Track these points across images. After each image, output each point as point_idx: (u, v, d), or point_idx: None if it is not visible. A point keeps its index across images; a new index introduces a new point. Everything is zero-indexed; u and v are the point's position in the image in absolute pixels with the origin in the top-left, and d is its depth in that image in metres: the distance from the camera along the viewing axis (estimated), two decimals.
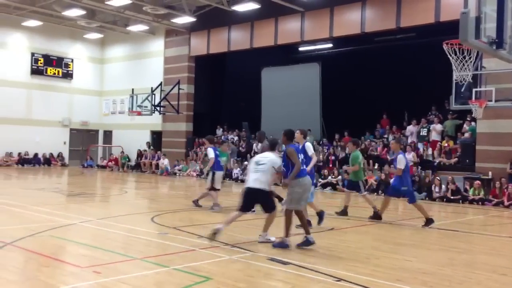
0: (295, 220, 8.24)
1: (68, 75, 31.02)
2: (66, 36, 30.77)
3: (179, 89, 26.78)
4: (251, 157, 15.82)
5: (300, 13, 22.70)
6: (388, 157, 19.35)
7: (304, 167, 8.15)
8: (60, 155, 30.41)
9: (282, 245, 7.79)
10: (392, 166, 11.33)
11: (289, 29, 23.42)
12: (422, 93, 21.07)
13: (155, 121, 28.76)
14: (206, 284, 5.77)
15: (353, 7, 21.19)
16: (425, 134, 19.81)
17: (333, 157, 20.90)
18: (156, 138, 29.73)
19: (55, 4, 24.85)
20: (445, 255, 7.91)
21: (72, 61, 31.24)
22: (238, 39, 25.49)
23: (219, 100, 29.00)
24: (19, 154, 28.69)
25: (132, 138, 29.99)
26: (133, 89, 27.68)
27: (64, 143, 31.02)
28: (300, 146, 9.28)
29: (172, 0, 24.43)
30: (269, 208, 8.18)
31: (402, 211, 14.80)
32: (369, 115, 22.68)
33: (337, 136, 22.55)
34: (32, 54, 29.54)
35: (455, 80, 13.73)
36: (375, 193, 17.82)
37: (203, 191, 12.83)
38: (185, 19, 25.42)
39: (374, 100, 22.95)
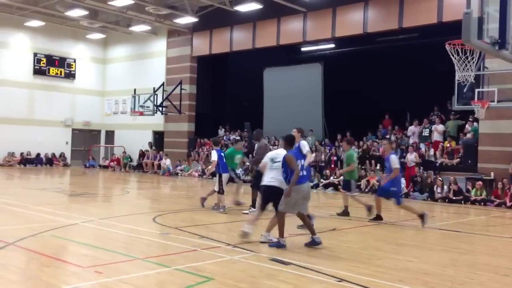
0: (297, 221, 8.24)
1: (70, 75, 31.06)
2: (68, 36, 30.81)
3: (181, 89, 26.78)
4: (252, 157, 15.78)
5: (303, 13, 22.70)
6: None
7: (304, 173, 8.02)
8: (62, 155, 30.44)
9: (278, 245, 7.78)
10: (385, 169, 11.23)
11: (292, 29, 23.42)
12: (424, 94, 21.04)
13: (157, 121, 28.78)
14: (207, 284, 5.77)
15: (356, 7, 21.17)
16: (427, 134, 19.78)
17: (335, 158, 20.88)
18: (158, 138, 29.75)
19: (58, 4, 24.89)
20: (447, 256, 7.90)
21: (75, 61, 31.29)
22: (240, 39, 25.49)
23: (221, 100, 29.00)
24: (21, 154, 28.72)
25: (134, 138, 30.02)
26: (135, 89, 27.70)
27: (66, 143, 31.06)
28: (296, 144, 9.29)
29: (175, 1, 24.44)
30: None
31: (404, 212, 14.77)
32: (371, 116, 22.66)
33: (339, 137, 22.51)
34: (35, 54, 29.59)
35: (458, 80, 13.70)
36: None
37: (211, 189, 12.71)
38: (188, 19, 25.43)
39: (376, 101, 22.93)
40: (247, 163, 14.87)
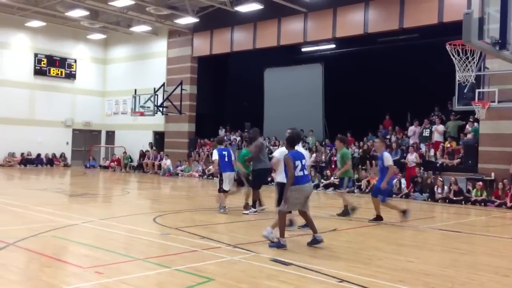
0: (297, 221, 8.26)
1: (71, 76, 31.08)
2: (69, 37, 30.83)
3: (181, 89, 26.80)
4: None
5: (303, 13, 22.70)
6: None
7: (304, 173, 7.97)
8: (62, 156, 30.45)
9: (278, 245, 7.78)
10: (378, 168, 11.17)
11: (292, 30, 23.42)
12: (425, 94, 21.04)
13: (158, 121, 28.80)
14: (208, 285, 5.77)
15: (356, 7, 21.17)
16: (428, 135, 19.78)
17: (335, 158, 20.84)
18: (159, 138, 29.76)
19: (59, 4, 24.91)
20: (448, 256, 7.89)
21: (75, 61, 31.31)
22: (241, 39, 25.50)
23: (222, 101, 29.02)
24: (22, 154, 28.74)
25: (135, 139, 30.02)
26: (135, 90, 27.73)
27: (67, 143, 31.07)
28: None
29: (175, 1, 24.45)
30: None
31: None
32: (372, 116, 22.66)
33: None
34: (35, 55, 29.61)
35: (458, 81, 13.70)
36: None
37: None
38: (188, 20, 25.44)
39: (376, 101, 22.93)
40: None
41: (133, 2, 23.00)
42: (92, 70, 32.31)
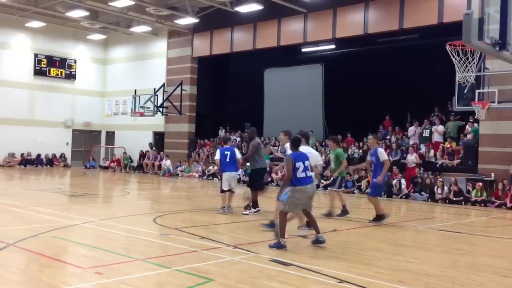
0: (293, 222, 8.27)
1: (71, 76, 31.07)
2: (69, 37, 30.83)
3: (181, 90, 26.80)
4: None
5: (303, 14, 22.71)
6: (391, 158, 19.33)
7: (307, 174, 7.96)
8: (62, 156, 30.45)
9: (278, 245, 7.78)
10: (372, 164, 11.14)
11: (292, 30, 23.42)
12: (424, 94, 21.04)
13: (158, 122, 28.80)
14: (208, 285, 5.77)
15: (356, 8, 21.17)
16: (428, 135, 19.77)
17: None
18: (159, 139, 29.76)
19: (59, 5, 24.91)
20: (448, 257, 7.89)
21: (75, 62, 31.30)
22: (241, 40, 25.50)
23: (222, 101, 29.02)
24: (22, 154, 28.73)
25: (135, 139, 30.02)
26: (135, 90, 27.72)
27: (67, 143, 31.06)
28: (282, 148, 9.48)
29: (175, 1, 24.45)
30: None
31: (404, 213, 14.79)
32: (372, 116, 22.66)
33: (339, 137, 22.49)
34: (35, 55, 29.61)
35: (458, 81, 13.70)
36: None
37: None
38: (188, 20, 25.44)
39: (376, 101, 22.92)
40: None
41: (133, 3, 23.00)
42: (92, 71, 32.31)
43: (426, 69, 21.33)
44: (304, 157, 8.07)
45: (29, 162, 28.78)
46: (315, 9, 22.20)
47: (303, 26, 22.91)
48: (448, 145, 18.71)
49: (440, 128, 19.43)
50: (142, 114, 27.28)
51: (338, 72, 24.45)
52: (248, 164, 12.93)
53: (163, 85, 27.57)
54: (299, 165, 7.89)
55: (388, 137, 21.24)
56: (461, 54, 12.29)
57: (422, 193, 17.33)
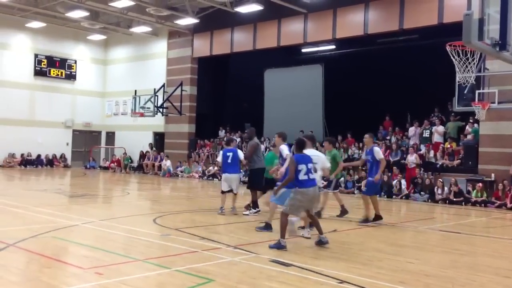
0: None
1: (71, 76, 31.08)
2: (69, 38, 30.84)
3: (182, 90, 26.81)
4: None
5: (303, 14, 22.71)
6: (391, 158, 19.34)
7: (309, 177, 7.96)
8: (62, 156, 30.46)
9: (279, 246, 7.77)
10: (367, 160, 11.13)
11: (292, 31, 23.43)
12: (424, 95, 21.03)
13: (158, 122, 28.80)
14: (208, 286, 5.76)
15: (356, 8, 21.18)
16: (428, 136, 19.77)
17: None
18: (159, 139, 29.76)
19: (59, 5, 24.92)
20: (448, 257, 7.89)
21: (75, 62, 31.31)
22: (241, 40, 25.51)
23: (222, 102, 29.01)
24: (22, 155, 28.74)
25: (135, 140, 30.03)
26: (136, 91, 27.72)
27: (67, 144, 31.07)
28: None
29: (175, 2, 24.46)
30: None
31: (405, 213, 14.79)
32: (372, 117, 22.64)
33: (339, 138, 22.52)
34: (36, 55, 29.62)
35: (458, 82, 13.69)
36: (377, 195, 17.78)
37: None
38: (188, 21, 25.45)
39: (376, 102, 22.91)
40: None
41: (133, 3, 23.01)
42: (92, 71, 32.31)
43: (426, 69, 21.32)
44: (307, 160, 8.06)
45: (29, 162, 28.79)
46: (315, 9, 22.21)
47: (303, 27, 22.92)
48: (448, 146, 18.70)
49: (440, 128, 19.42)
50: (142, 115, 27.29)
51: (338, 72, 24.44)
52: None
53: (163, 85, 27.57)
54: (302, 167, 7.89)
55: (388, 138, 21.24)
56: (461, 55, 12.28)
57: (422, 193, 17.33)
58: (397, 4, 19.90)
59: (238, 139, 25.92)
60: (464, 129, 18.95)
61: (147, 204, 14.78)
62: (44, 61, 29.84)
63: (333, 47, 26.40)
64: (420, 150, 19.39)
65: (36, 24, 28.20)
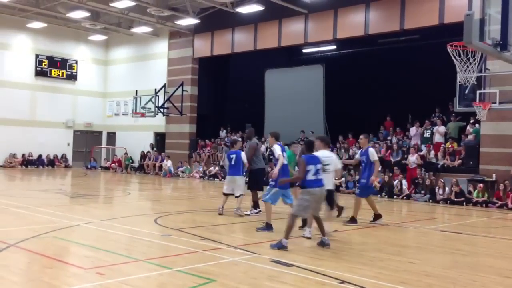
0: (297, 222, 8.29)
1: (72, 77, 31.10)
2: (70, 38, 30.87)
3: (182, 90, 26.80)
4: None
5: (304, 15, 22.70)
6: (392, 158, 19.34)
7: (317, 177, 8.02)
8: (63, 157, 30.48)
9: (280, 246, 7.78)
10: (362, 160, 11.09)
11: (293, 31, 23.42)
12: (425, 95, 21.03)
13: (159, 122, 28.81)
14: (209, 286, 5.77)
15: (357, 9, 21.17)
16: (429, 136, 19.76)
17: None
18: (160, 139, 29.77)
19: (60, 6, 24.93)
20: (449, 258, 7.89)
21: (76, 62, 31.33)
22: (241, 41, 25.51)
23: (223, 102, 29.03)
24: (23, 155, 28.76)
25: (136, 140, 30.04)
26: (136, 91, 27.73)
27: (68, 144, 31.09)
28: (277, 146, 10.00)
29: (176, 2, 24.47)
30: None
31: (406, 214, 14.78)
32: (373, 117, 22.65)
33: (340, 138, 22.53)
34: (37, 56, 29.63)
35: (459, 82, 13.69)
36: (379, 195, 17.82)
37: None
38: (189, 21, 25.46)
39: (377, 102, 22.92)
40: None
41: (134, 3, 23.01)
42: (93, 71, 32.33)
43: (427, 70, 21.32)
44: (316, 161, 8.17)
45: (31, 162, 28.81)
46: (316, 9, 22.20)
47: (304, 27, 22.91)
48: (449, 146, 18.70)
49: (441, 129, 19.42)
50: (143, 115, 27.30)
51: (339, 72, 24.45)
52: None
53: (164, 85, 27.57)
54: (311, 167, 7.99)
55: (389, 138, 21.23)
56: (462, 55, 12.28)
57: (422, 191, 17.31)
58: (398, 4, 19.89)
59: (239, 139, 25.96)
60: (465, 129, 18.94)
61: (148, 204, 14.78)
62: (45, 62, 29.86)
63: (334, 47, 26.41)
64: (421, 150, 19.38)
65: (37, 25, 28.23)
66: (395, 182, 18.01)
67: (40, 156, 29.41)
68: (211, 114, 28.80)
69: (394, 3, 20.00)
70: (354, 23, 21.37)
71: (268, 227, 9.52)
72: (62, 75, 30.63)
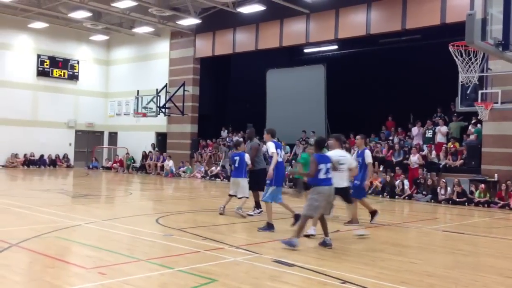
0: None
1: (74, 77, 31.12)
2: (72, 38, 30.89)
3: (184, 90, 26.81)
4: None
5: (305, 14, 22.70)
6: (393, 158, 19.33)
7: (328, 176, 8.06)
8: (65, 157, 30.52)
9: (290, 243, 7.79)
10: (357, 161, 11.04)
11: (294, 31, 23.42)
12: (427, 95, 21.02)
13: (160, 122, 28.83)
14: (210, 286, 5.77)
15: (359, 8, 21.16)
16: (431, 136, 19.75)
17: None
18: (161, 139, 29.79)
19: (61, 6, 24.96)
20: (451, 258, 7.88)
21: (78, 62, 31.35)
22: (243, 40, 25.51)
23: (224, 102, 29.04)
24: (25, 155, 28.80)
25: (137, 140, 30.06)
26: (138, 91, 27.73)
27: (70, 144, 31.12)
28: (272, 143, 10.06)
29: (178, 2, 24.48)
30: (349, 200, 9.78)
31: (407, 214, 14.77)
32: (375, 117, 22.63)
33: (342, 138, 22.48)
34: (38, 56, 29.66)
35: (461, 82, 13.67)
36: (380, 196, 17.81)
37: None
38: (191, 21, 25.47)
39: (379, 102, 22.90)
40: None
41: (135, 3, 23.03)
42: (94, 71, 32.35)
43: (428, 69, 21.30)
44: (327, 160, 8.22)
45: (32, 162, 28.84)
46: (317, 9, 22.19)
47: (305, 27, 22.90)
48: (451, 146, 18.67)
49: (443, 128, 19.39)
50: (144, 115, 27.32)
51: (340, 72, 24.44)
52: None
53: (166, 85, 27.56)
54: (321, 166, 8.04)
55: (391, 138, 21.21)
56: (464, 55, 12.27)
57: (424, 191, 17.30)
58: (399, 4, 19.87)
59: (241, 140, 25.94)
60: (467, 129, 18.91)
61: (149, 204, 14.79)
62: (46, 62, 29.89)
63: (335, 47, 26.41)
64: (423, 150, 19.36)
65: (38, 25, 28.26)
66: (397, 182, 17.99)
67: (42, 156, 29.44)
68: (212, 114, 28.81)
69: (395, 3, 19.98)
70: (355, 23, 21.36)
71: (270, 227, 9.53)
72: (64, 75, 30.66)
